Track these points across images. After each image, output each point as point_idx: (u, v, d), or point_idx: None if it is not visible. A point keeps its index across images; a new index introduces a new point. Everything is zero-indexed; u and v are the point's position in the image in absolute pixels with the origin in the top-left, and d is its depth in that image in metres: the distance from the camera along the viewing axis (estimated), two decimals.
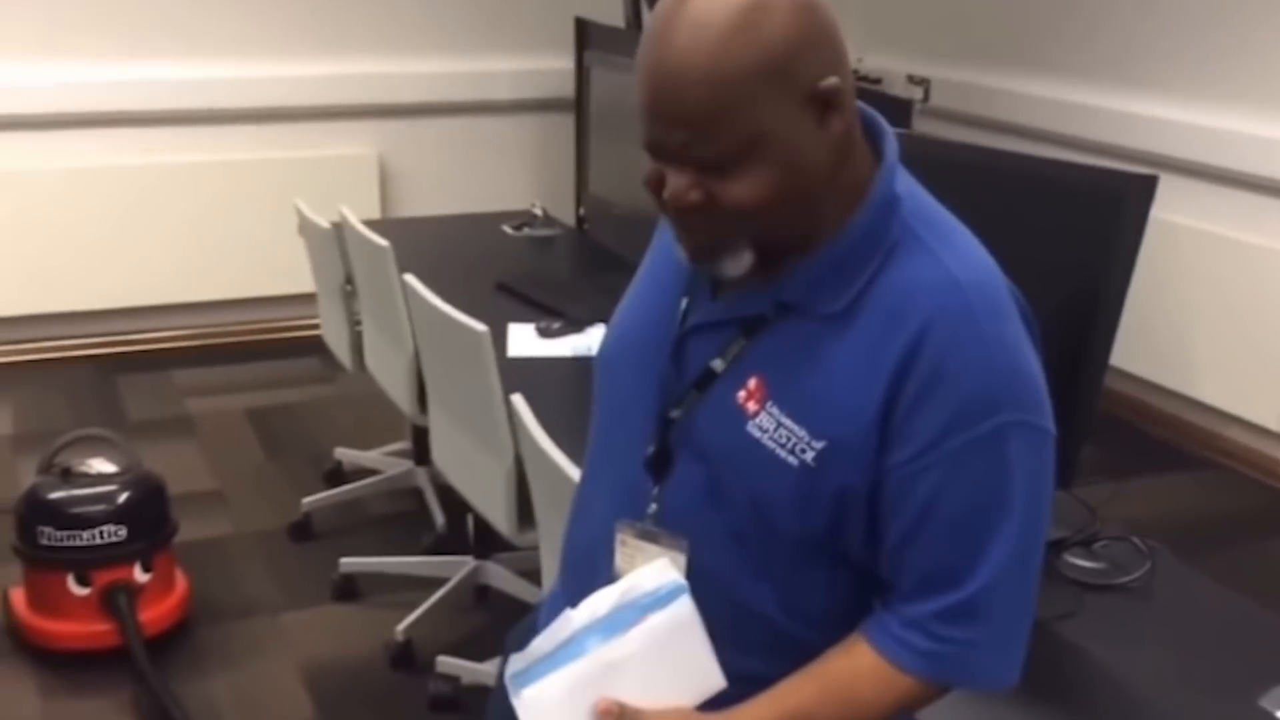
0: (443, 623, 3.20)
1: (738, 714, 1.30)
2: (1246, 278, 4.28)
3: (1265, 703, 1.64)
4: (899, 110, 3.02)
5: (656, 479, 1.35)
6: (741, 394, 1.29)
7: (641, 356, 1.39)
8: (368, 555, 3.50)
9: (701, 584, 1.31)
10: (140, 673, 2.95)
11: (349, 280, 3.53)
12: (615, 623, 1.30)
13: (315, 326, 3.99)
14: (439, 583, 3.24)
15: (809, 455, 1.24)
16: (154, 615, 3.10)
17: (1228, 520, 4.06)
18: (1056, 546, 1.95)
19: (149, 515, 3.14)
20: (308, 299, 4.05)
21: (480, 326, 2.55)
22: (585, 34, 5.00)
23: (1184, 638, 1.83)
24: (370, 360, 3.53)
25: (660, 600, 1.30)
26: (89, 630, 3.05)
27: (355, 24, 5.31)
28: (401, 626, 3.12)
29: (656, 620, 1.29)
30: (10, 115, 4.85)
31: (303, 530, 3.74)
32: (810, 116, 1.19)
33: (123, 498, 3.08)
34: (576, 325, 3.01)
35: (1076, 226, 1.84)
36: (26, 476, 3.23)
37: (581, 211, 4.26)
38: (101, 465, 3.15)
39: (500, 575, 3.28)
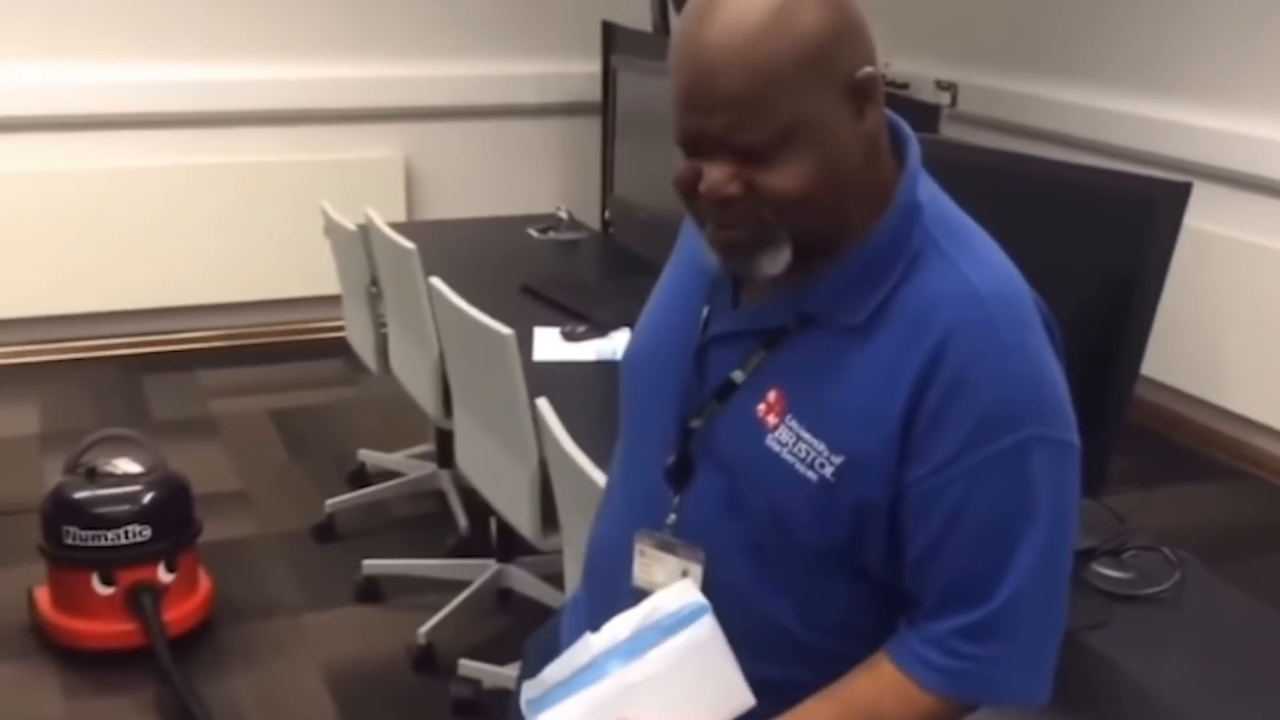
0: (465, 626, 3.20)
1: None
2: (1277, 286, 4.25)
3: None
4: (926, 115, 3.01)
5: (676, 488, 1.34)
6: (761, 407, 1.28)
7: (666, 363, 1.38)
8: (390, 557, 3.50)
9: (719, 594, 1.30)
10: (163, 672, 2.96)
11: (374, 282, 3.54)
12: (636, 645, 1.29)
13: (340, 328, 3.99)
14: (461, 585, 3.24)
15: (828, 470, 1.24)
16: (178, 615, 3.11)
17: (1256, 530, 4.03)
18: (1085, 556, 1.93)
19: (173, 515, 3.15)
20: (333, 301, 4.06)
21: (505, 330, 2.54)
22: (612, 38, 5.00)
23: (1212, 648, 1.81)
24: (395, 362, 3.53)
25: (682, 621, 1.28)
26: (113, 630, 3.06)
27: (382, 27, 5.32)
28: (424, 629, 3.12)
29: (677, 641, 1.28)
30: (38, 116, 4.87)
31: (326, 532, 3.75)
32: (848, 108, 1.19)
33: (147, 498, 3.08)
34: (601, 329, 3.00)
35: (1108, 233, 1.82)
36: (53, 476, 3.24)
37: (607, 215, 4.25)
38: (127, 465, 3.17)
39: (523, 579, 3.27)
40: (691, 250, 1.39)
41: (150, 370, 5.01)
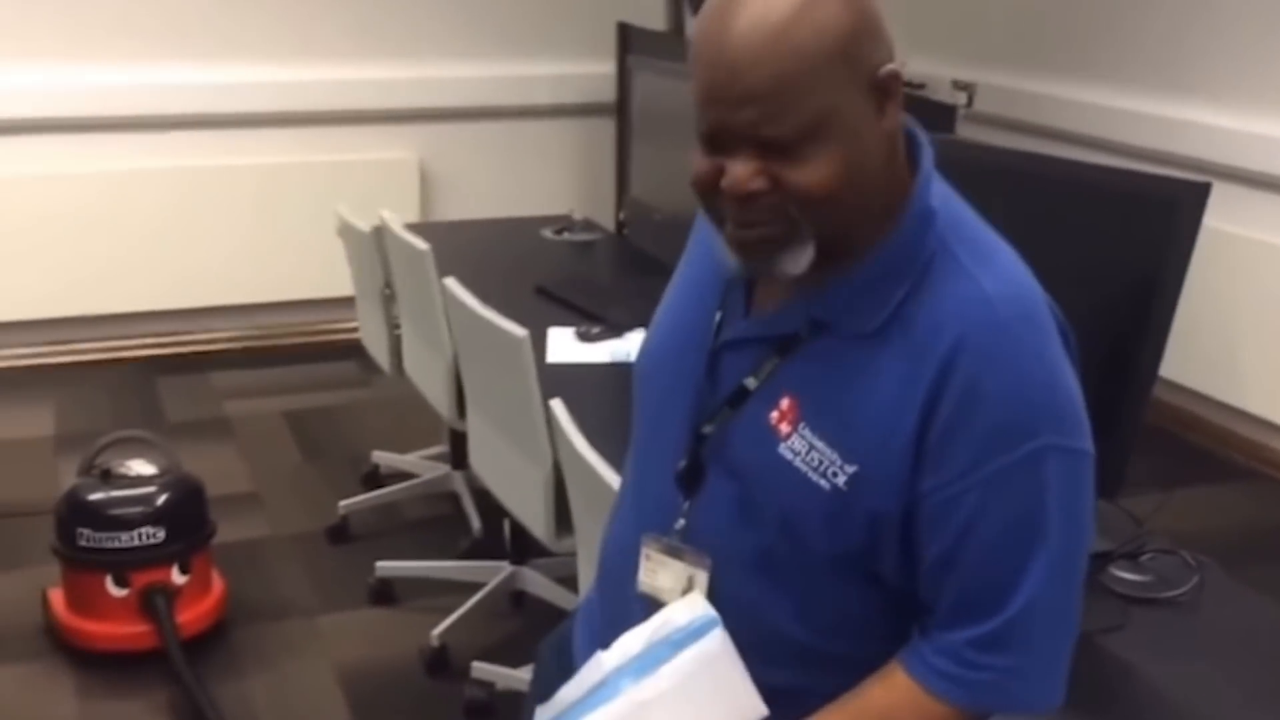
0: (478, 628, 3.19)
1: None
2: None
3: None
4: (943, 115, 2.99)
5: (687, 494, 1.34)
6: (774, 414, 1.27)
7: (679, 367, 1.37)
8: (404, 559, 3.50)
9: (728, 602, 1.30)
10: (177, 674, 2.96)
11: (388, 284, 3.53)
12: (648, 662, 1.28)
13: (354, 330, 3.99)
14: (475, 588, 3.23)
15: (840, 479, 1.23)
16: (191, 617, 3.11)
17: (1275, 532, 4.00)
18: (1103, 559, 1.92)
19: (187, 517, 3.15)
20: (347, 302, 4.06)
21: (520, 331, 2.54)
22: (627, 38, 5.00)
23: (1231, 652, 1.79)
24: (409, 364, 3.52)
25: (692, 635, 1.28)
26: (127, 631, 3.06)
27: (397, 28, 5.32)
28: (437, 631, 3.11)
29: (688, 655, 1.27)
30: (54, 118, 4.89)
31: (340, 533, 3.75)
32: (871, 104, 1.18)
33: (161, 499, 3.08)
34: (616, 330, 2.99)
35: (1127, 234, 1.81)
36: (67, 477, 3.25)
37: (621, 216, 4.24)
38: (141, 467, 3.17)
39: (537, 581, 3.26)
40: (704, 250, 1.38)
41: (164, 372, 5.01)
